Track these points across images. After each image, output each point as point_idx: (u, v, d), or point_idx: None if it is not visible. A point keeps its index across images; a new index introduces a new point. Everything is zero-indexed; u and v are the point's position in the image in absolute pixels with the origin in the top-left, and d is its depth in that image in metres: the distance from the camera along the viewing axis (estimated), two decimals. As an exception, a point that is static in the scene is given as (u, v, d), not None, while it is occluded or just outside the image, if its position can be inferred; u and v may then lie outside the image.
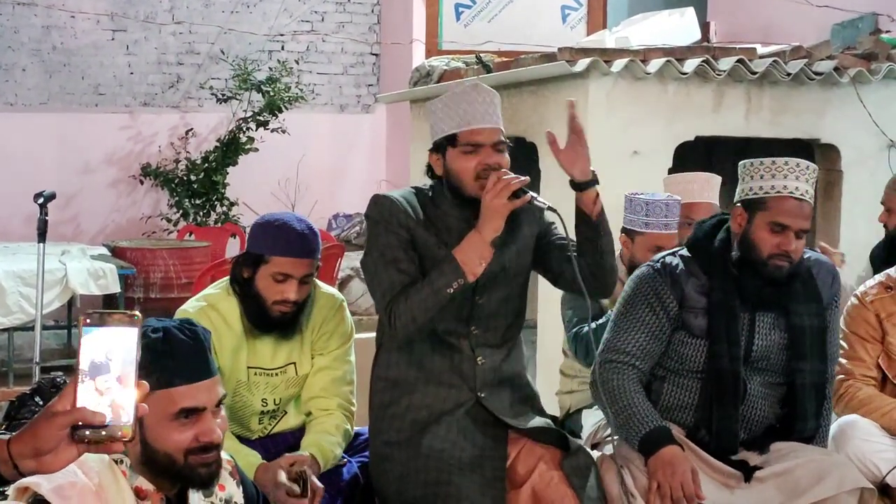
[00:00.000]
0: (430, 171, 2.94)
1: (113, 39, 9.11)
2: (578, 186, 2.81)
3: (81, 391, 1.51)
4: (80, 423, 1.50)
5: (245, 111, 8.79)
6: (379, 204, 2.87)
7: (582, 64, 4.99)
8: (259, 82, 8.73)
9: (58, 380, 3.26)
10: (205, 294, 3.10)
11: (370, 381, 3.01)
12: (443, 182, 2.90)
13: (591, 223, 2.82)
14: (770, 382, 3.02)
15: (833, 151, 5.51)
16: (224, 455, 2.22)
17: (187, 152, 8.95)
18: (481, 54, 6.74)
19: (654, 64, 5.06)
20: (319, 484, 2.80)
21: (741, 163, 3.00)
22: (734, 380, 2.94)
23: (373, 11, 9.86)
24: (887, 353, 3.37)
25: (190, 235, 8.36)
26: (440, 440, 2.83)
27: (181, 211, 8.66)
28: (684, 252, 3.07)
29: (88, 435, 1.51)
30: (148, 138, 9.14)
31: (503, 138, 2.85)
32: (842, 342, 3.41)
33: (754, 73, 5.16)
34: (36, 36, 8.90)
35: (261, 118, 8.70)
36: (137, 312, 1.55)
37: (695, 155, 5.25)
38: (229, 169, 8.74)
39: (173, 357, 2.04)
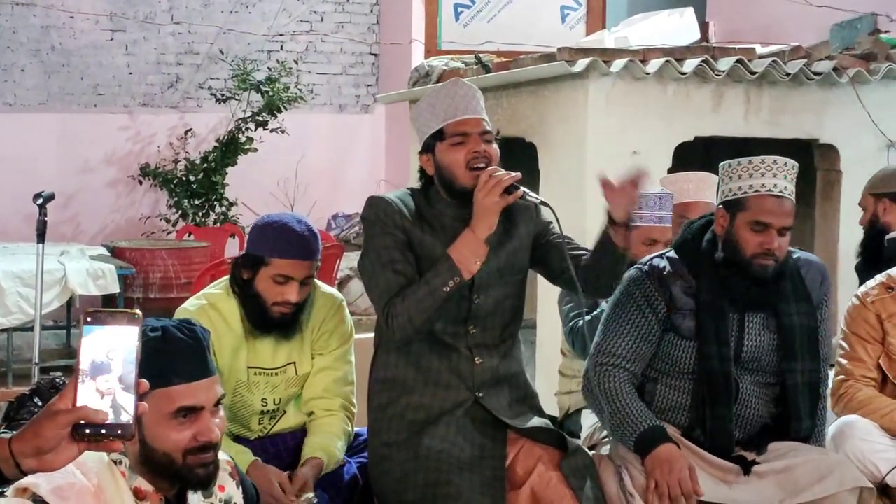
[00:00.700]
0: (422, 174, 2.95)
1: (112, 40, 9.10)
2: (614, 223, 2.82)
3: (82, 390, 1.51)
4: (82, 422, 1.51)
5: (244, 111, 8.79)
6: (374, 205, 2.87)
7: (581, 64, 4.99)
8: (258, 82, 8.73)
9: (57, 380, 3.26)
10: (205, 293, 3.10)
11: (368, 381, 3.01)
12: (435, 182, 2.90)
13: (616, 253, 2.84)
14: (762, 382, 3.02)
15: (832, 151, 5.51)
16: (224, 456, 2.22)
17: (186, 152, 8.95)
18: (480, 54, 6.75)
19: (654, 64, 5.06)
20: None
21: (721, 164, 3.01)
22: (725, 380, 2.94)
23: (372, 11, 9.86)
24: (888, 353, 3.36)
25: (189, 236, 8.36)
26: (439, 440, 2.83)
27: (180, 211, 8.66)
28: (672, 254, 3.08)
29: (89, 434, 1.52)
30: (147, 138, 9.14)
31: (489, 128, 2.86)
32: (842, 342, 3.42)
33: (753, 73, 5.17)
34: (35, 36, 8.90)
35: (260, 118, 8.71)
36: (138, 311, 1.55)
37: (694, 155, 5.25)
38: (228, 169, 8.74)
39: (172, 356, 2.05)
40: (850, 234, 5.37)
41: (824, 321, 3.10)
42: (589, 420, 3.48)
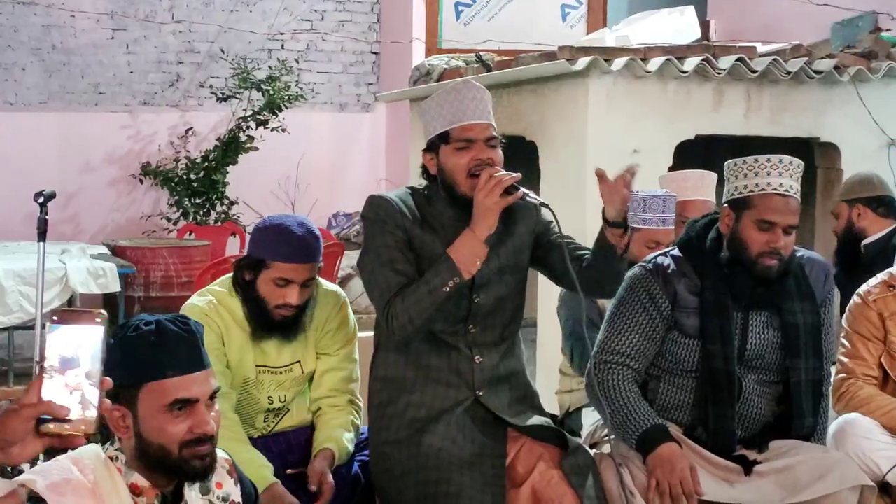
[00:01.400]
0: (424, 171, 2.94)
1: (113, 38, 9.10)
2: (608, 222, 2.82)
3: (48, 385, 1.56)
4: (45, 416, 1.54)
5: (245, 110, 8.78)
6: (375, 204, 2.86)
7: (582, 63, 4.98)
8: (259, 81, 8.73)
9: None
10: (210, 290, 3.09)
11: (368, 380, 3.01)
12: (437, 181, 2.90)
13: (614, 254, 2.84)
14: (766, 381, 3.02)
15: (833, 150, 5.51)
16: (222, 454, 2.22)
17: (187, 151, 8.95)
18: (481, 53, 6.75)
19: (654, 62, 5.06)
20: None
21: (727, 163, 3.01)
22: (728, 379, 2.94)
23: (372, 10, 9.86)
24: (889, 352, 3.36)
25: (190, 234, 8.36)
26: (439, 439, 2.83)
27: (181, 210, 8.66)
28: (676, 252, 3.07)
29: (52, 428, 1.56)
30: (148, 137, 9.15)
31: (495, 134, 2.85)
32: (843, 341, 3.41)
33: (754, 71, 5.16)
34: (36, 35, 8.90)
35: (261, 117, 8.70)
36: (104, 312, 1.60)
37: (694, 153, 5.25)
38: (229, 168, 8.74)
39: (166, 348, 2.05)
40: (850, 233, 5.37)
41: (828, 319, 3.10)
42: (589, 418, 3.48)
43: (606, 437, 3.15)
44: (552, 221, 2.95)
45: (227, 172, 8.74)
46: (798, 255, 3.05)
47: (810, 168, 5.46)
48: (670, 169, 4.88)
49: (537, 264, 3.03)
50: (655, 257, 3.08)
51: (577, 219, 4.61)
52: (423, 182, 2.97)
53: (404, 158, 7.87)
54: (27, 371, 5.97)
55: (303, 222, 3.02)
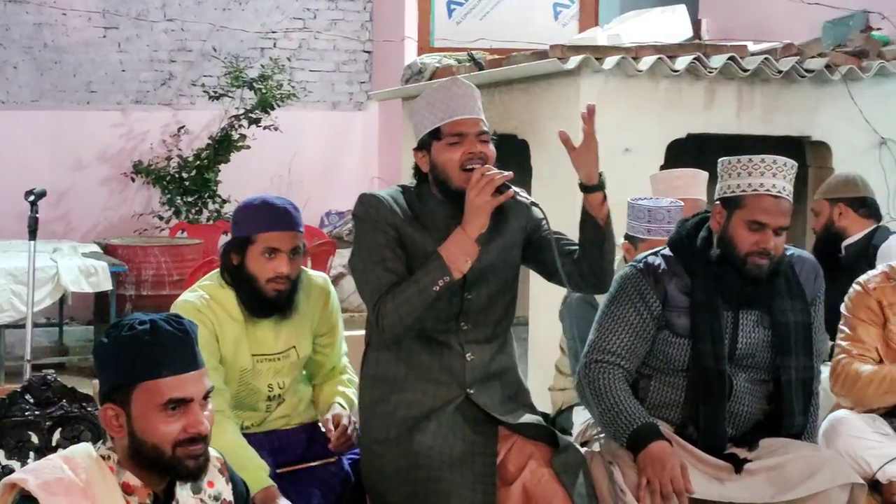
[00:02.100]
0: (416, 171, 2.95)
1: (105, 37, 9.09)
2: (584, 188, 2.82)
3: None
4: None
5: (237, 108, 8.78)
6: (365, 203, 2.87)
7: (574, 61, 4.99)
8: (251, 80, 8.73)
9: (48, 378, 3.25)
10: (199, 286, 3.10)
11: (359, 378, 3.02)
12: (429, 180, 2.90)
13: (597, 226, 2.84)
14: (756, 379, 3.03)
15: (824, 149, 5.52)
16: (214, 452, 2.22)
17: (179, 150, 8.94)
18: (473, 52, 6.76)
19: (646, 61, 5.07)
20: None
21: (720, 160, 3.02)
22: (719, 378, 2.95)
23: (365, 9, 9.86)
24: (886, 340, 3.37)
25: (182, 233, 8.36)
26: (430, 437, 2.83)
27: (173, 208, 8.65)
28: (666, 251, 3.08)
29: None
30: (140, 136, 9.13)
31: (486, 129, 2.86)
32: (842, 326, 3.43)
33: (746, 70, 5.17)
34: (27, 33, 8.88)
35: (253, 115, 8.70)
36: None
37: (686, 152, 5.26)
38: (221, 166, 8.74)
39: (161, 348, 2.06)
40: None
41: (818, 317, 3.11)
42: (581, 417, 3.49)
43: (597, 436, 3.15)
44: (543, 218, 2.96)
45: (220, 171, 8.74)
46: (788, 253, 3.06)
47: (801, 167, 5.47)
48: (662, 168, 4.89)
49: (529, 261, 3.04)
50: (646, 257, 3.09)
51: (569, 216, 4.58)
52: (415, 181, 2.98)
53: (396, 157, 7.87)
54: (18, 370, 5.96)
55: (279, 196, 3.10)
